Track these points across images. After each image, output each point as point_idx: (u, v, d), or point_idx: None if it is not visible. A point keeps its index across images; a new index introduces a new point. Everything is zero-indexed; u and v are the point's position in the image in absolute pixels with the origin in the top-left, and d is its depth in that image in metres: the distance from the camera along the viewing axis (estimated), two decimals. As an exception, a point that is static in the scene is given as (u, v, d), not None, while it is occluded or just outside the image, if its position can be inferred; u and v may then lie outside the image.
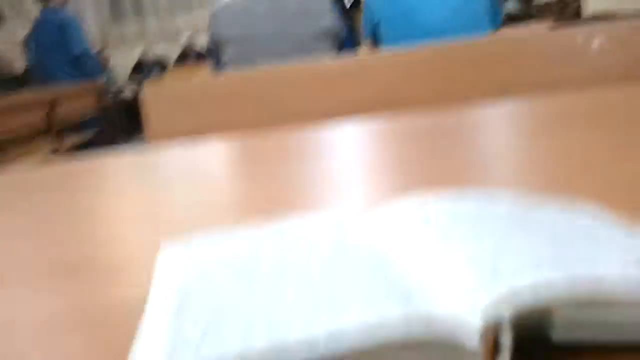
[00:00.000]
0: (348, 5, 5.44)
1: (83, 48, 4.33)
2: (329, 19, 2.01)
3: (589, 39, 1.24)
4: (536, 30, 3.29)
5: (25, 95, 3.56)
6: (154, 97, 1.27)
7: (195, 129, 1.20)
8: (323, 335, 0.17)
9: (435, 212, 0.26)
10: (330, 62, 1.33)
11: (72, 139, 4.13)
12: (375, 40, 2.23)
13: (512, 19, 7.38)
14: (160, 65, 7.83)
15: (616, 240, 0.22)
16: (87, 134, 4.34)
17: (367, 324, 0.18)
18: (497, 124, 0.82)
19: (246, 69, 1.93)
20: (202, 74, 5.18)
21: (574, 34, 1.27)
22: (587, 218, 0.25)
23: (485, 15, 2.10)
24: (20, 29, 6.66)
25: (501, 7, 2.18)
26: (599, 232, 0.23)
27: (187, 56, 7.86)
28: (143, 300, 0.26)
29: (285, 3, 1.98)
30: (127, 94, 7.47)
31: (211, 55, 2.16)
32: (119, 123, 7.05)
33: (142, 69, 7.74)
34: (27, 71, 6.00)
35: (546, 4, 7.10)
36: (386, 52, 1.69)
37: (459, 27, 2.00)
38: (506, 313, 0.18)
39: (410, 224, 0.26)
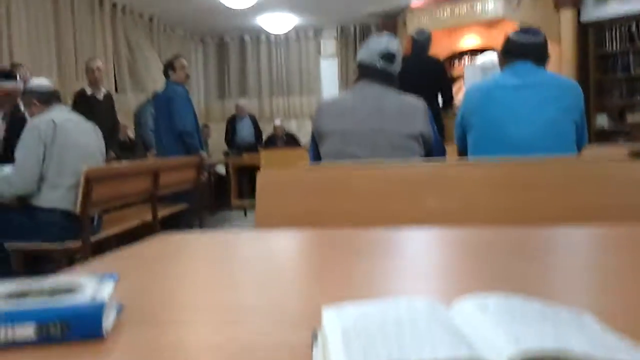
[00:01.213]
0: (441, 105, 5.71)
1: (183, 126, 4.68)
2: (421, 124, 2.20)
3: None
4: (617, 157, 3.32)
5: (135, 164, 3.91)
6: (265, 182, 1.47)
7: (298, 214, 1.38)
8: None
9: (490, 304, 0.42)
10: (419, 166, 1.49)
11: (169, 209, 4.46)
12: (464, 147, 2.38)
13: (604, 135, 7.40)
14: (249, 144, 8.39)
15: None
16: (181, 206, 4.65)
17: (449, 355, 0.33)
18: (569, 244, 0.93)
19: (344, 162, 2.14)
20: (291, 156, 5.47)
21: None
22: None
23: (572, 135, 2.19)
24: (135, 100, 7.35)
25: (587, 128, 2.27)
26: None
27: (277, 138, 8.36)
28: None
29: (385, 105, 2.19)
30: (220, 168, 7.97)
31: (312, 144, 2.37)
32: (208, 196, 7.47)
33: (233, 145, 8.29)
34: (137, 137, 6.58)
35: (638, 124, 7.09)
36: (471, 162, 1.84)
37: (546, 145, 2.10)
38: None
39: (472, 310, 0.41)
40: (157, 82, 6.69)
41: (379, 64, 2.25)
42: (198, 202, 5.04)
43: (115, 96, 7.26)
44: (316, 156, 2.34)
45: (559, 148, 2.15)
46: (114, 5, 7.34)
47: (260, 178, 1.47)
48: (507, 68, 2.29)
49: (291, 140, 8.52)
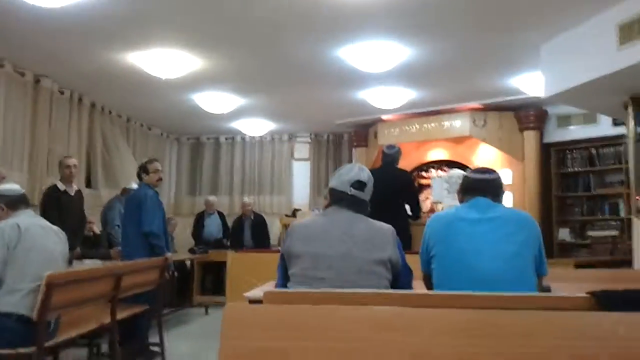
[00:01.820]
0: (410, 214, 5.83)
1: (150, 229, 4.70)
2: (389, 249, 2.26)
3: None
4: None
5: (99, 269, 3.85)
6: (233, 316, 1.47)
7: (264, 353, 1.38)
8: None
9: None
10: (383, 308, 1.52)
11: (128, 310, 4.34)
12: (429, 272, 2.43)
13: (565, 247, 7.58)
14: (216, 239, 8.37)
15: None
16: (141, 307, 4.54)
17: None
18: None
19: (312, 286, 2.15)
20: (260, 261, 5.43)
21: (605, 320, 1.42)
22: None
23: (532, 267, 2.29)
24: (107, 195, 7.33)
25: (545, 259, 2.37)
26: None
27: (245, 217, 8.40)
28: None
29: (356, 232, 2.25)
30: (187, 263, 7.85)
31: (281, 263, 2.39)
32: (170, 292, 7.30)
33: (200, 240, 8.24)
34: (102, 233, 6.49)
35: (599, 238, 7.31)
36: (441, 297, 1.87)
37: (509, 277, 2.17)
38: None
39: None
40: (129, 179, 6.71)
41: (350, 191, 2.33)
42: (158, 303, 4.93)
43: (86, 191, 7.27)
44: (284, 276, 2.36)
45: (520, 279, 2.22)
46: (93, 105, 7.48)
47: (228, 311, 1.48)
48: (466, 202, 2.41)
49: (259, 224, 8.50)
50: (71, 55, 5.68)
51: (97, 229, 6.50)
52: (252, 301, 2.45)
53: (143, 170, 4.89)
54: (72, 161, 5.48)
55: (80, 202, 5.62)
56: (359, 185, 2.34)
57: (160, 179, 4.98)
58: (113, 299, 3.95)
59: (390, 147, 5.83)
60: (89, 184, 7.53)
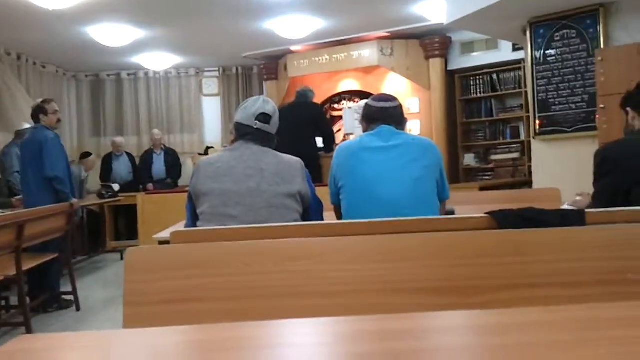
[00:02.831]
0: (322, 145, 5.86)
1: (54, 173, 4.47)
2: (299, 183, 2.25)
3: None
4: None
5: (-3, 217, 3.64)
6: (135, 260, 1.42)
7: (169, 294, 1.34)
8: None
9: None
10: (290, 240, 1.51)
11: (35, 260, 4.17)
12: (338, 202, 2.46)
13: (471, 172, 7.94)
14: (126, 182, 8.11)
15: None
16: (49, 255, 4.38)
17: None
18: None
19: (221, 223, 2.12)
20: (170, 202, 5.32)
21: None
22: None
23: (434, 191, 2.37)
24: (2, 140, 6.86)
25: (447, 183, 2.46)
26: None
27: (155, 148, 8.22)
28: None
29: (264, 166, 2.22)
30: (95, 208, 7.59)
31: (189, 203, 2.34)
32: (81, 239, 7.08)
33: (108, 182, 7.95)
34: (1, 181, 6.11)
35: (502, 161, 7.70)
36: (345, 226, 1.89)
37: (413, 202, 2.24)
38: None
39: None
40: (26, 121, 6.29)
41: (255, 124, 2.28)
42: (68, 251, 4.77)
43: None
44: (193, 216, 2.31)
45: (424, 203, 2.30)
46: (-23, 44, 6.86)
47: (129, 255, 1.42)
48: (370, 131, 2.43)
49: (171, 156, 8.35)
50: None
51: (-7, 176, 6.10)
52: (162, 242, 2.40)
53: (40, 110, 4.59)
54: None
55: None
56: (264, 117, 2.30)
57: (59, 120, 4.72)
58: (17, 249, 3.77)
59: (307, 89, 5.84)
60: (-21, 130, 7.01)
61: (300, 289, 1.45)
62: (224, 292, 1.39)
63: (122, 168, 8.21)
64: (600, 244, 1.55)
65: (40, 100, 4.81)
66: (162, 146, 8.34)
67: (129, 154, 8.42)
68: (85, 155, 7.51)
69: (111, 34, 6.84)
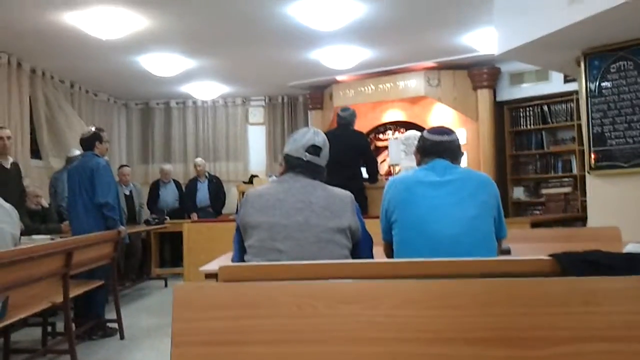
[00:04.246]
0: (367, 177, 5.79)
1: (105, 199, 4.54)
2: (349, 217, 2.18)
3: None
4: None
5: (46, 245, 3.69)
6: (182, 297, 1.37)
7: (218, 335, 1.29)
8: None
9: None
10: (341, 281, 1.45)
11: (82, 287, 4.20)
12: (390, 238, 2.38)
13: (520, 206, 7.72)
14: (173, 209, 8.19)
15: None
16: (95, 282, 4.41)
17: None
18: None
19: (267, 256, 2.07)
20: (216, 231, 5.33)
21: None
22: None
23: (491, 229, 2.26)
24: (57, 165, 7.05)
25: (504, 221, 2.35)
26: None
27: (199, 177, 8.26)
28: None
29: (313, 199, 2.16)
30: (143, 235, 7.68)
31: (237, 235, 2.30)
32: (125, 268, 7.14)
33: (156, 210, 8.04)
34: (51, 206, 6.24)
35: (553, 195, 7.46)
36: (398, 265, 1.81)
37: (468, 241, 2.14)
38: None
39: None
40: (78, 148, 6.45)
41: (305, 156, 2.24)
42: (113, 278, 4.80)
43: (33, 162, 6.96)
44: (241, 249, 2.27)
45: (480, 242, 2.20)
46: (33, 71, 7.09)
47: (178, 292, 1.38)
48: (424, 165, 2.35)
49: (215, 184, 8.37)
50: (5, 16, 5.33)
51: (45, 202, 6.24)
52: (208, 275, 2.37)
53: (97, 138, 4.70)
54: (5, 132, 5.19)
55: (17, 175, 5.36)
56: (315, 150, 2.25)
57: (107, 150, 4.84)
58: (65, 276, 3.81)
59: (345, 109, 5.76)
60: (37, 154, 7.21)
61: (349, 333, 1.38)
62: (274, 334, 1.33)
63: (169, 195, 8.29)
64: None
65: (94, 127, 4.92)
66: (206, 174, 8.41)
67: (176, 182, 8.51)
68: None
69: (161, 63, 6.99)
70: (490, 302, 1.44)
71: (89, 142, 4.70)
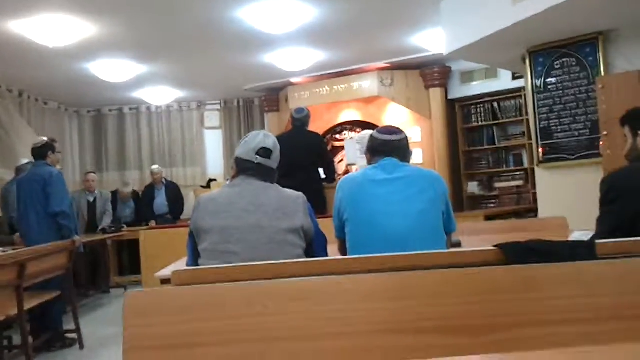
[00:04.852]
0: (324, 177, 5.82)
1: (60, 208, 4.47)
2: (301, 218, 2.21)
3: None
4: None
5: (-3, 256, 3.60)
6: (134, 303, 1.37)
7: (171, 339, 1.30)
8: None
9: None
10: (295, 279, 1.47)
11: (37, 299, 4.11)
12: (343, 236, 2.42)
13: (475, 200, 7.90)
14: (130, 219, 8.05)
15: None
16: (51, 294, 4.32)
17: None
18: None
19: (221, 259, 2.07)
20: (174, 237, 5.27)
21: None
22: None
23: (440, 223, 2.32)
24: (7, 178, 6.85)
25: (453, 215, 2.42)
26: None
27: (155, 184, 8.07)
28: None
29: (264, 200, 2.19)
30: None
31: (190, 240, 2.30)
32: (84, 276, 7.00)
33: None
34: (2, 218, 6.07)
35: (506, 188, 7.66)
36: (349, 261, 1.85)
37: (419, 235, 2.20)
38: None
39: None
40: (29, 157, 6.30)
41: (256, 159, 2.25)
42: (70, 288, 4.70)
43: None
44: (195, 253, 2.27)
45: (430, 236, 2.26)
46: (-23, 82, 6.89)
47: (128, 299, 1.38)
48: (374, 164, 2.40)
49: (173, 190, 8.19)
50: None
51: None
52: (164, 281, 2.36)
53: (50, 148, 4.65)
54: None
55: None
56: (265, 152, 2.27)
57: (59, 161, 4.78)
58: (18, 287, 3.72)
59: (299, 110, 5.77)
60: (-15, 165, 7.01)
61: (303, 331, 1.40)
62: (224, 335, 1.34)
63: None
64: (612, 277, 1.51)
65: (46, 138, 4.84)
66: (163, 181, 8.26)
67: (135, 191, 8.34)
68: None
69: (112, 69, 6.88)
70: (439, 293, 1.48)
71: (41, 152, 4.62)
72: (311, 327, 1.41)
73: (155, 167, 8.32)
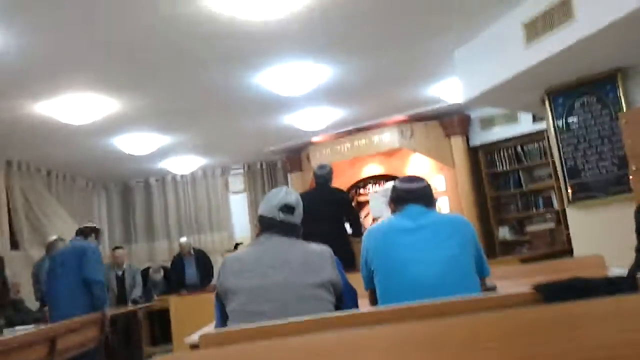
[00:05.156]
0: (351, 232, 5.77)
1: (98, 278, 4.52)
2: (329, 271, 2.16)
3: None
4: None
5: (28, 334, 3.59)
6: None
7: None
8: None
9: None
10: (324, 334, 1.42)
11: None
12: (372, 287, 2.36)
13: (507, 245, 7.73)
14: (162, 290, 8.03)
15: None
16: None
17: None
18: None
19: (251, 321, 2.03)
20: (202, 302, 5.22)
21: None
22: None
23: (472, 268, 2.25)
24: (37, 255, 6.94)
25: (485, 259, 2.35)
26: None
27: (184, 255, 8.03)
28: None
29: (290, 257, 2.15)
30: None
31: (217, 303, 2.26)
32: (117, 348, 6.94)
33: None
34: (36, 294, 6.10)
35: (538, 232, 7.49)
36: (379, 313, 1.79)
37: (449, 281, 2.13)
38: None
39: None
40: (60, 232, 6.39)
41: (279, 216, 2.24)
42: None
43: (12, 253, 6.85)
44: (223, 316, 2.22)
45: (462, 283, 2.18)
46: (9, 163, 7.08)
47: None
48: (399, 213, 2.36)
49: (202, 259, 8.15)
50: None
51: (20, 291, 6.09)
52: (193, 346, 2.31)
53: (94, 231, 4.89)
54: None
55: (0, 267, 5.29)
56: (288, 209, 2.25)
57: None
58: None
59: (321, 167, 5.78)
60: (16, 246, 7.10)
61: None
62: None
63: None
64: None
65: (92, 224, 5.11)
66: (192, 252, 8.21)
67: (164, 267, 8.33)
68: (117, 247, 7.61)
69: (137, 142, 7.05)
70: (475, 338, 1.42)
71: (86, 232, 4.77)
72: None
73: (183, 239, 8.27)
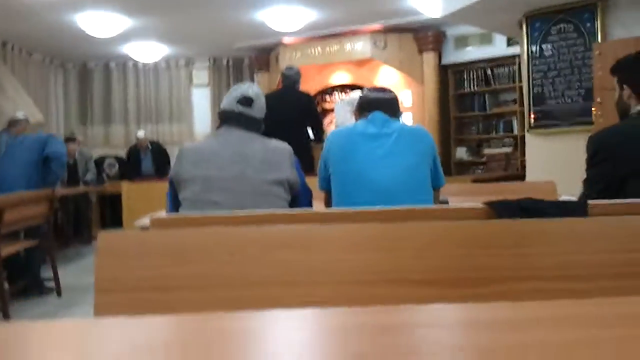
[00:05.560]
0: (312, 137, 5.76)
1: (61, 149, 4.49)
2: (287, 169, 2.15)
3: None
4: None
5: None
6: (106, 246, 1.31)
7: (144, 282, 1.24)
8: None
9: None
10: (278, 226, 1.42)
11: (14, 246, 4.06)
12: (328, 187, 2.37)
13: (463, 165, 7.88)
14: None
15: None
16: (29, 242, 4.29)
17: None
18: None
19: (203, 210, 2.02)
20: (155, 190, 5.21)
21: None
22: None
23: (428, 178, 2.29)
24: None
25: (441, 170, 2.39)
26: None
27: (141, 149, 7.99)
28: None
29: (248, 151, 2.12)
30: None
31: (171, 190, 2.24)
32: (66, 228, 6.94)
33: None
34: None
35: (494, 155, 7.63)
36: (335, 214, 1.79)
37: (405, 188, 2.16)
38: None
39: None
40: (17, 107, 6.15)
41: (237, 108, 2.18)
42: (50, 237, 4.66)
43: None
44: (175, 203, 2.21)
45: (418, 191, 2.23)
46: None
47: (101, 241, 1.32)
48: (363, 119, 2.35)
49: (158, 151, 8.14)
50: None
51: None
52: (144, 229, 2.30)
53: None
54: None
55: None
56: (246, 100, 2.19)
57: None
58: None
59: (289, 68, 5.65)
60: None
61: (285, 278, 1.35)
62: (204, 280, 1.29)
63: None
64: (604, 235, 1.47)
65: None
66: (149, 145, 8.10)
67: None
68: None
69: (99, 23, 6.68)
70: (426, 244, 1.43)
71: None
72: (293, 275, 1.35)
73: (140, 133, 8.11)
